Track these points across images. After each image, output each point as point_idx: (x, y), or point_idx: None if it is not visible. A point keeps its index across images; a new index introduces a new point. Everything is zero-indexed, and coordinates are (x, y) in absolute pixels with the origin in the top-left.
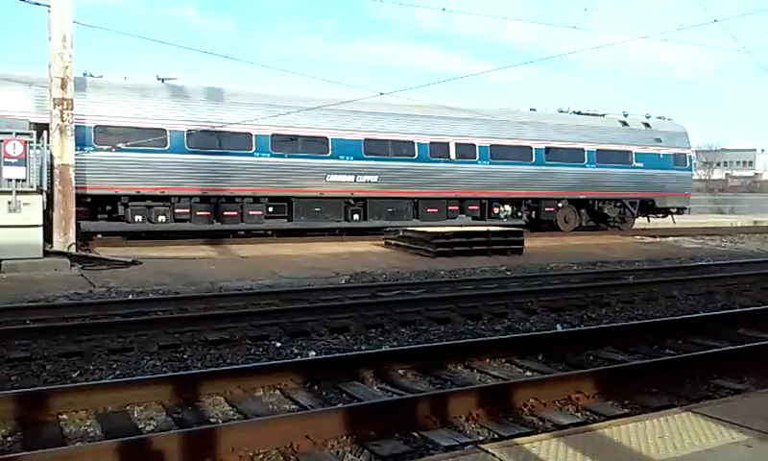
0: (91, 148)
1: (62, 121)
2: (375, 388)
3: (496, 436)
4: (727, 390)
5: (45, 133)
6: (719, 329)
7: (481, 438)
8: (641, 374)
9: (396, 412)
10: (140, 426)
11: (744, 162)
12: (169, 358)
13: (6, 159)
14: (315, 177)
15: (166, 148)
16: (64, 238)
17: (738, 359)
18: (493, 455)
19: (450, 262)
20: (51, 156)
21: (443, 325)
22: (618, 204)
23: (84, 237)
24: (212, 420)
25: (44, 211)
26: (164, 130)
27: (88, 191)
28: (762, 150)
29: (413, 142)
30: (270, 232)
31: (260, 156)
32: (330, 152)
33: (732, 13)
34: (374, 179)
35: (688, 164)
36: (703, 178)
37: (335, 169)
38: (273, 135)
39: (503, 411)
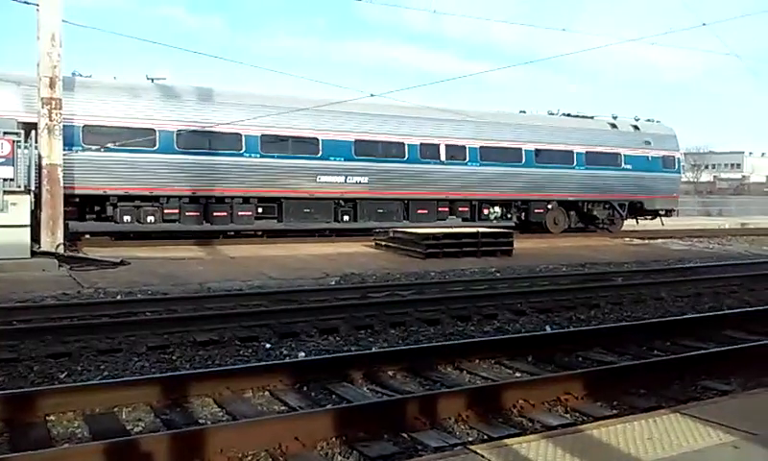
0: (80, 148)
1: (51, 120)
2: (365, 389)
3: (485, 437)
4: (714, 391)
5: (33, 132)
6: (707, 331)
7: (470, 439)
8: (630, 375)
9: (386, 413)
10: (128, 428)
11: (732, 165)
12: (157, 359)
13: None
14: (305, 178)
15: (155, 148)
16: (52, 238)
17: (725, 361)
18: (482, 456)
19: (440, 263)
20: (39, 155)
21: (432, 326)
22: (607, 206)
23: (72, 237)
24: (201, 421)
25: (32, 211)
26: (153, 130)
27: (77, 191)
28: (750, 153)
29: (403, 143)
30: (259, 233)
31: (250, 156)
32: (321, 153)
33: (720, 17)
34: (365, 180)
35: (677, 166)
36: (691, 180)
37: (325, 170)
38: (263, 136)
39: (492, 412)
